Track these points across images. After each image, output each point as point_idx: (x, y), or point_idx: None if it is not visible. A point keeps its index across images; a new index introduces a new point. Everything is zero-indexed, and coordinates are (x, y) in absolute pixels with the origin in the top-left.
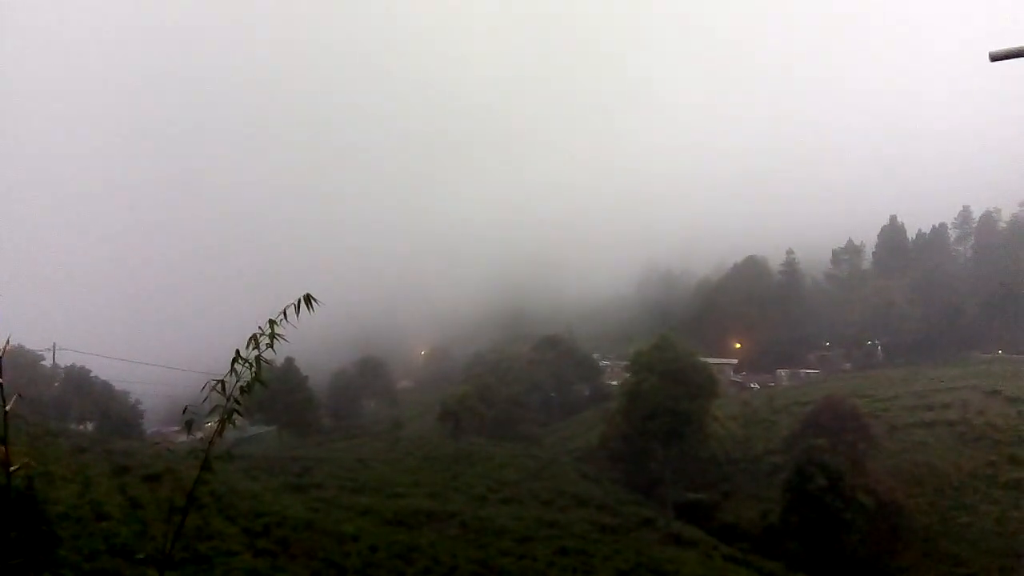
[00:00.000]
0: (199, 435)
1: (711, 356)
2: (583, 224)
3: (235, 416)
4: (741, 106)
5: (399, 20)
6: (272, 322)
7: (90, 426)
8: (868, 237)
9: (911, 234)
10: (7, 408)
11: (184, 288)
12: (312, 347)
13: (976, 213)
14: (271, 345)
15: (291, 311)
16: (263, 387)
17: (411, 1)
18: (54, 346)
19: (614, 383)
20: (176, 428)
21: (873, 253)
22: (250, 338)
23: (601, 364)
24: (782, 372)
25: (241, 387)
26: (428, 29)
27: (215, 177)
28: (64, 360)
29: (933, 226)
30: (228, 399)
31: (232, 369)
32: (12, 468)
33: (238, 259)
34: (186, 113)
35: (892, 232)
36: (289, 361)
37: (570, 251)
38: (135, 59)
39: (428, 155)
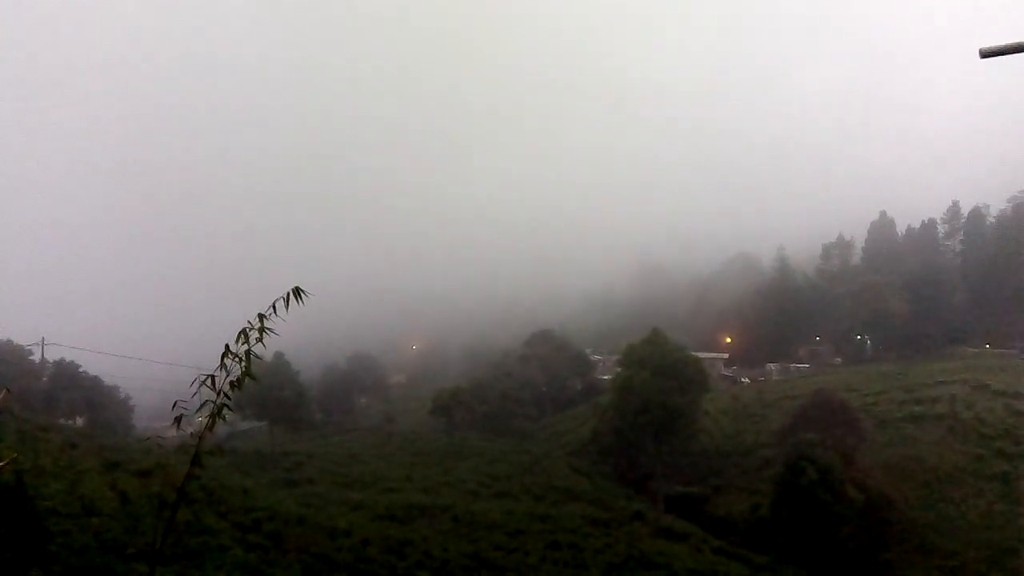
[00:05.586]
0: (189, 430)
1: (702, 351)
2: (576, 220)
3: (225, 411)
4: (733, 103)
5: (403, 15)
6: (261, 316)
7: (80, 421)
8: (858, 233)
9: (900, 230)
10: None
11: (174, 282)
12: (303, 342)
13: (965, 209)
14: (261, 339)
15: (280, 305)
16: (253, 382)
17: None
18: (42, 340)
19: (606, 378)
20: (166, 423)
21: (863, 248)
22: (239, 332)
23: (593, 359)
24: (772, 366)
25: (231, 382)
26: (428, 29)
27: (208, 170)
28: (53, 355)
29: (922, 222)
30: (218, 394)
31: (222, 364)
32: (1, 463)
33: (229, 253)
34: (181, 104)
35: (882, 228)
36: (279, 356)
37: (563, 247)
38: (130, 54)
39: (421, 150)
